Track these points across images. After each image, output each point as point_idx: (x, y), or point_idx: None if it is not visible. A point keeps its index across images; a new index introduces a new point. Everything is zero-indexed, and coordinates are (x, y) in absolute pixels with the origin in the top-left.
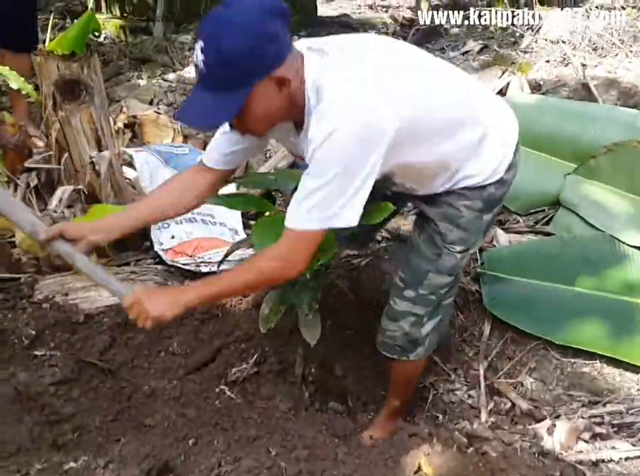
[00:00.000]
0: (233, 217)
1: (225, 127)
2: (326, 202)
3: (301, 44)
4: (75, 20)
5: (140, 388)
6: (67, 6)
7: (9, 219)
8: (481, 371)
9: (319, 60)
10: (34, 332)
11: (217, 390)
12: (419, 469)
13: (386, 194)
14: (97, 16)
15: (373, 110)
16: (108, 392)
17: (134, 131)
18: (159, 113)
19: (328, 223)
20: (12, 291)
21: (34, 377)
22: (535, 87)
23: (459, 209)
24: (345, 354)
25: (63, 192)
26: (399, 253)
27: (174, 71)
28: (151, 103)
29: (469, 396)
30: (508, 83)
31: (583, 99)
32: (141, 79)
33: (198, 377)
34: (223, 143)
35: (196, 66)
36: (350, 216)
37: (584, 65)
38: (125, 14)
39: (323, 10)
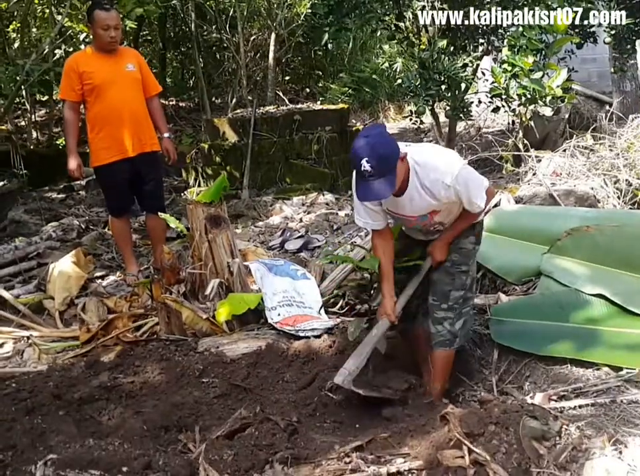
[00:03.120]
0: (316, 302)
1: (361, 214)
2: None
3: None
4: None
5: (268, 398)
6: (172, 184)
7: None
8: (494, 382)
9: (408, 147)
10: (201, 367)
11: (321, 393)
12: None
13: (419, 241)
14: (195, 188)
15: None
16: (248, 401)
17: None
18: (257, 246)
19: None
20: (184, 346)
21: (203, 394)
22: (519, 200)
23: (462, 242)
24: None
25: (214, 282)
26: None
27: (261, 220)
28: (248, 241)
29: None
30: (500, 199)
31: (551, 205)
32: (237, 228)
33: (306, 390)
34: (372, 218)
35: (365, 170)
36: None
37: (553, 184)
38: None
39: None
